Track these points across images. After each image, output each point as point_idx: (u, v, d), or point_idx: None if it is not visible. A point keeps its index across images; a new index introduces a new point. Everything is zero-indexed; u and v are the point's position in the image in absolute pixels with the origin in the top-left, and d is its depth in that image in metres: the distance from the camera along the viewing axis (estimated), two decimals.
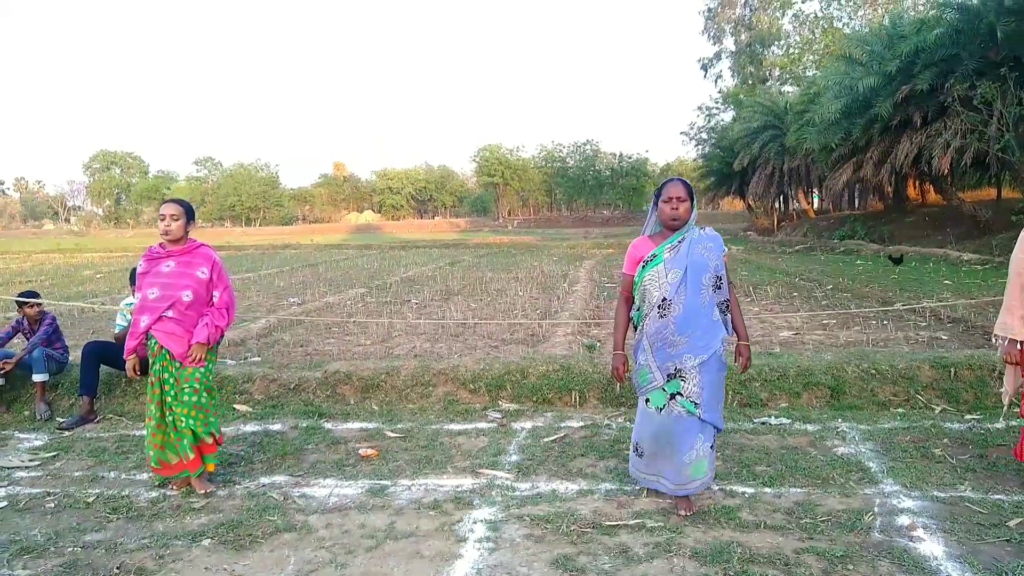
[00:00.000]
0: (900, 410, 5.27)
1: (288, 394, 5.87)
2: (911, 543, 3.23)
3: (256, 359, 7.14)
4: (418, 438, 4.91)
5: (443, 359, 6.45)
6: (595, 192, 75.87)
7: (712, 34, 51.94)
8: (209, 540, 3.44)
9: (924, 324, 8.53)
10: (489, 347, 7.76)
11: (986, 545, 3.20)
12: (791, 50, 44.84)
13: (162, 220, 4.09)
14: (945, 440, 4.60)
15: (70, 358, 6.15)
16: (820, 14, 42.26)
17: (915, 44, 19.46)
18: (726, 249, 3.60)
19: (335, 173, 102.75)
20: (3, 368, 5.58)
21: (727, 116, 46.48)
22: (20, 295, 6.06)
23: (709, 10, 51.69)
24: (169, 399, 4.08)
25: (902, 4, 34.04)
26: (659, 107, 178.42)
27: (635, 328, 3.66)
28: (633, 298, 3.63)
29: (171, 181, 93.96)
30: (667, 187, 3.55)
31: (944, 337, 7.60)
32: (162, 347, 4.05)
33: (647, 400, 3.59)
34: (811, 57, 41.63)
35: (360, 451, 4.64)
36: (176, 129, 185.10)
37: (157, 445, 4.08)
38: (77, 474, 4.43)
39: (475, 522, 3.58)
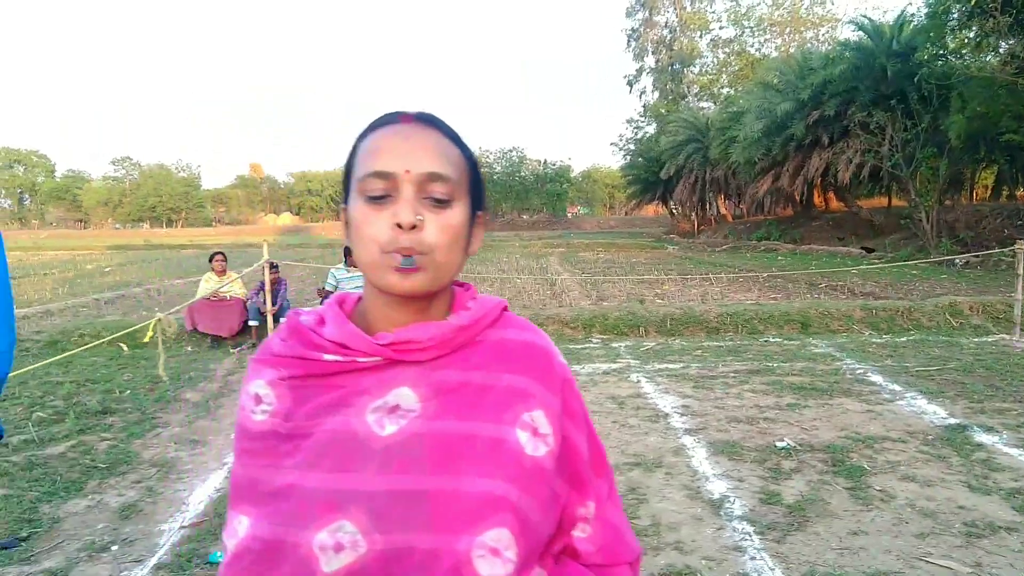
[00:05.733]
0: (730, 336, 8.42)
1: None
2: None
3: None
4: None
5: None
6: (521, 197, 79.24)
7: (636, 53, 55.96)
8: None
9: (834, 293, 11.77)
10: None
11: None
12: (708, 71, 49.32)
13: None
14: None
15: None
16: (734, 39, 46.81)
17: (823, 76, 23.40)
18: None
19: (251, 174, 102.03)
20: None
21: (650, 128, 50.49)
22: None
23: (633, 30, 55.72)
24: None
25: (806, 36, 38.75)
26: (580, 117, 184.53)
27: None
28: None
29: (82, 181, 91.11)
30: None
31: (843, 296, 10.82)
32: None
33: None
34: (725, 78, 46.12)
35: None
36: (87, 130, 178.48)
37: None
38: None
39: None
